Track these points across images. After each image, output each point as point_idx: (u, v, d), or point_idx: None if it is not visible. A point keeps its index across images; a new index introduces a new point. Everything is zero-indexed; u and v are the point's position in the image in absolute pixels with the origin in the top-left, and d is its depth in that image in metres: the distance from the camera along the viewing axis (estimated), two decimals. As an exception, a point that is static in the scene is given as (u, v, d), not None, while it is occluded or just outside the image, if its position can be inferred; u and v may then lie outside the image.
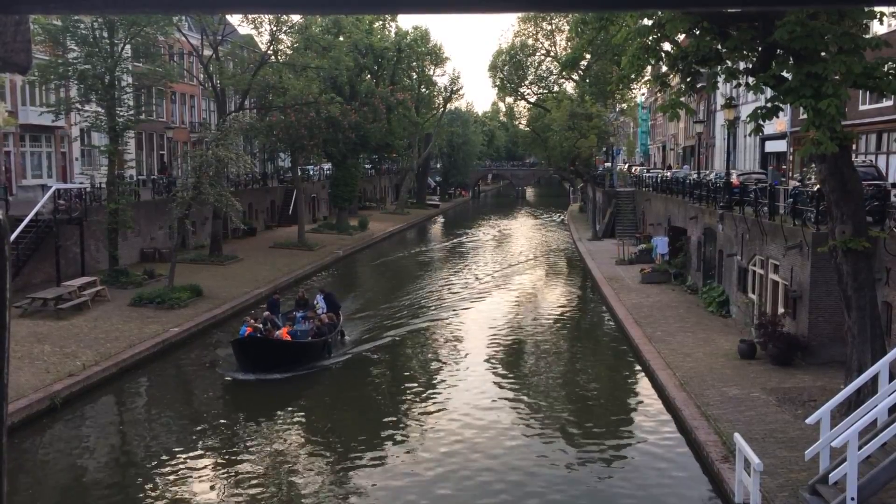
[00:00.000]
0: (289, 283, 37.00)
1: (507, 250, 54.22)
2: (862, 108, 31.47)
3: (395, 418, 19.61)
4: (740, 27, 16.41)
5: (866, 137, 31.86)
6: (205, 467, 16.33)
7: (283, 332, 23.14)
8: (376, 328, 28.86)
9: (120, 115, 33.15)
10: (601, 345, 27.56)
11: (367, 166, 76.17)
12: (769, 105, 16.50)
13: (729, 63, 17.49)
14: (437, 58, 75.09)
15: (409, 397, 21.45)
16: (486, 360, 24.55)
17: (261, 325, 23.43)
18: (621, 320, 27.60)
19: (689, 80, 17.88)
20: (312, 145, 48.59)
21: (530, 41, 69.06)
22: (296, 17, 43.59)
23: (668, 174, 48.35)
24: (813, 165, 21.82)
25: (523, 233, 67.84)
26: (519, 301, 34.83)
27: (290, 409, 20.47)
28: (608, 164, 62.74)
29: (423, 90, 74.80)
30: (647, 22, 17.48)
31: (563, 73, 64.54)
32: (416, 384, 22.68)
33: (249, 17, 42.11)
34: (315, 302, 27.16)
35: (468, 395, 21.09)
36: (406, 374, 24.20)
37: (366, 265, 47.67)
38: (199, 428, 18.72)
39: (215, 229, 40.43)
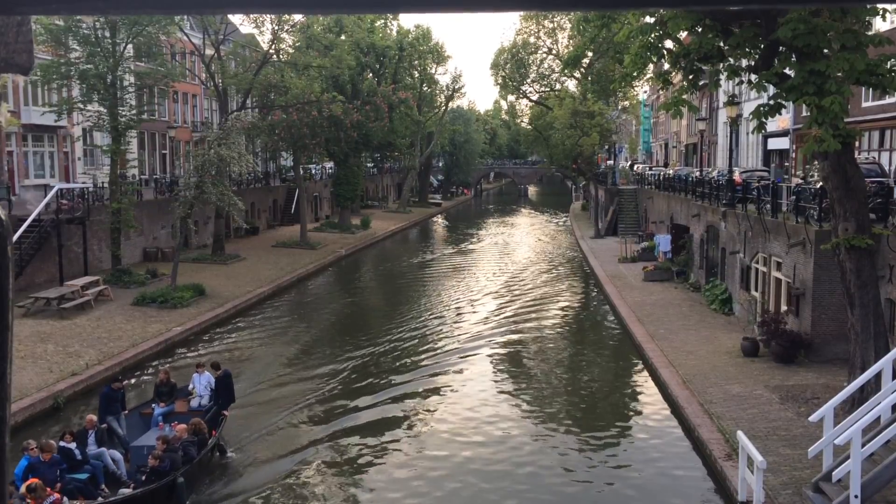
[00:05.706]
0: (291, 282, 37.05)
1: (509, 249, 54.15)
2: (865, 104, 31.42)
3: None
4: (743, 25, 16.40)
5: (869, 134, 31.80)
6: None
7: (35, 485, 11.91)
8: (322, 406, 19.57)
9: (122, 115, 33.21)
10: (604, 343, 27.54)
11: (369, 165, 76.17)
12: (772, 102, 16.49)
13: (731, 60, 17.48)
14: (439, 56, 75.08)
15: None
16: (490, 363, 24.52)
17: (73, 447, 13.77)
18: (624, 318, 27.58)
19: (691, 77, 17.87)
20: (314, 144, 48.71)
21: (532, 39, 69.03)
22: (297, 17, 43.61)
23: (671, 172, 48.32)
24: (816, 163, 21.79)
25: (525, 231, 67.75)
26: (520, 299, 34.73)
27: None
28: (610, 162, 62.73)
29: (425, 89, 74.79)
30: (649, 20, 17.48)
31: (566, 71, 64.42)
32: None
33: (251, 16, 42.17)
34: (190, 386, 17.08)
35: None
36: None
37: (363, 268, 47.61)
38: None
39: (218, 228, 40.50)
